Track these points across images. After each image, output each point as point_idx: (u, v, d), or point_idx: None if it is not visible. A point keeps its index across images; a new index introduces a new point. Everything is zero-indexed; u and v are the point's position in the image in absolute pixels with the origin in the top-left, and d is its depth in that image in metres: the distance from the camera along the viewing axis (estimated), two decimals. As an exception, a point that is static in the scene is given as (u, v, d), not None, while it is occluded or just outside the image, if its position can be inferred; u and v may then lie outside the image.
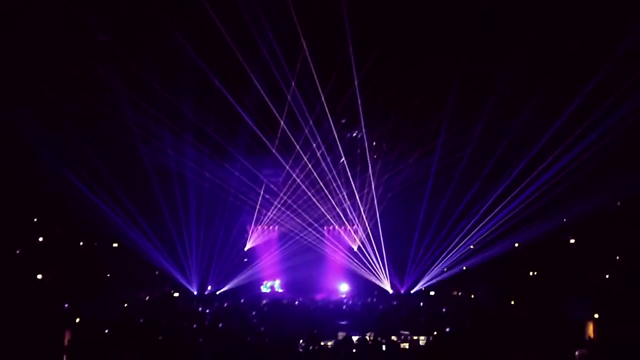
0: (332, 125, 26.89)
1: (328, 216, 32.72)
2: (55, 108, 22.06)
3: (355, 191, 30.73)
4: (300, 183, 30.85)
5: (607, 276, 22.21)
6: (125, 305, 22.85)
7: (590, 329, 16.69)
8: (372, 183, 30.01)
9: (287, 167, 29.82)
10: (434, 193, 28.13)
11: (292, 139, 28.07)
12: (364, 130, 27.95)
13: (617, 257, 22.44)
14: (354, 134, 30.08)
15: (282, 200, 32.15)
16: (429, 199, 28.32)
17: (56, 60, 20.23)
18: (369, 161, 29.55)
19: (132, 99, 22.96)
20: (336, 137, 28.18)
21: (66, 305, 18.76)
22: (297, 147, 28.77)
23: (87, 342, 16.11)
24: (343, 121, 27.85)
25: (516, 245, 26.83)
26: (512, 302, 23.01)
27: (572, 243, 24.01)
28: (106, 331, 17.86)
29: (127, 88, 22.70)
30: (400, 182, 30.00)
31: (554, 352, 15.22)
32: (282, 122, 26.28)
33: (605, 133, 20.89)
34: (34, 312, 16.77)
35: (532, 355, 15.17)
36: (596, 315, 16.86)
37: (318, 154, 29.31)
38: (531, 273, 25.27)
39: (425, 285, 30.00)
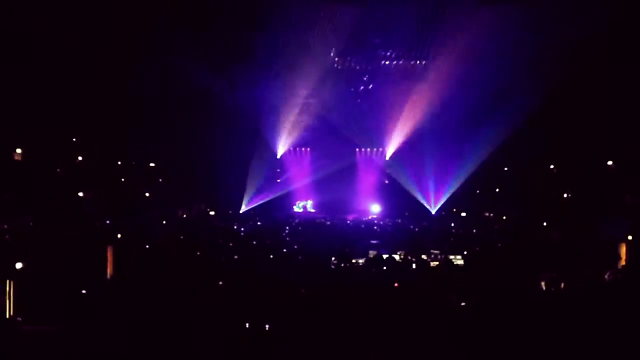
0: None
1: (362, 137, 32.66)
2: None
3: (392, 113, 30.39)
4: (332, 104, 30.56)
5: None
6: (164, 222, 23.57)
7: (623, 251, 16.59)
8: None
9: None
10: (469, 118, 27.58)
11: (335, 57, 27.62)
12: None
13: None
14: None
15: (317, 120, 32.00)
16: (464, 122, 27.86)
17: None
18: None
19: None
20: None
21: (108, 221, 19.42)
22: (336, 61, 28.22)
23: (129, 257, 16.79)
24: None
25: (551, 167, 26.43)
26: (545, 224, 22.92)
27: (609, 165, 23.44)
28: (146, 247, 18.55)
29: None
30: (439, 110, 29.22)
31: (585, 273, 15.23)
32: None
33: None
34: (78, 228, 17.43)
35: (563, 277, 15.21)
36: (630, 237, 16.69)
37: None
38: (565, 195, 24.96)
39: (456, 207, 30.07)
